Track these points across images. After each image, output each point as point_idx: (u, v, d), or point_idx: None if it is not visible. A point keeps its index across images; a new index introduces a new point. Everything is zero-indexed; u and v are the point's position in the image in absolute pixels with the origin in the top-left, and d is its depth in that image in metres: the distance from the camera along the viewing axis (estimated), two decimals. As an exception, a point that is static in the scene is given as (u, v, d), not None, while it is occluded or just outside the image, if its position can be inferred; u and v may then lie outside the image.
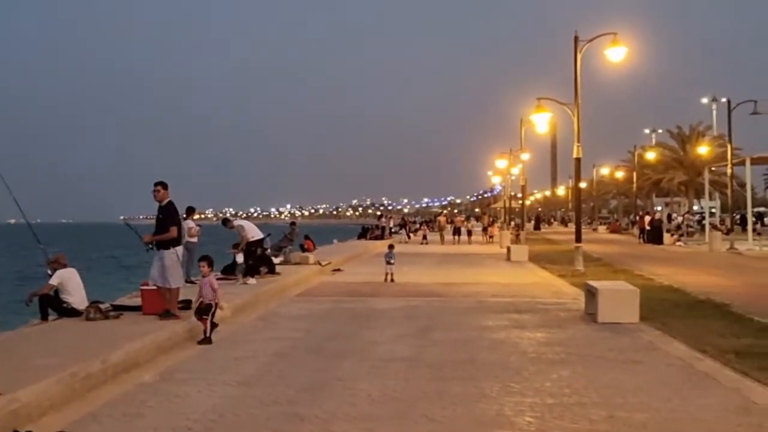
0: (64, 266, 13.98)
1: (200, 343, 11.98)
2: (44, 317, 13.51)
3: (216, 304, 12.38)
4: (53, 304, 13.61)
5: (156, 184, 13.89)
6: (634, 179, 78.61)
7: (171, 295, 13.46)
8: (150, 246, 13.76)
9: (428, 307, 17.14)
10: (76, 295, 13.71)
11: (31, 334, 12.39)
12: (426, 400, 8.54)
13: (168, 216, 13.79)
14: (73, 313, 13.41)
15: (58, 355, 9.92)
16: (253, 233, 21.51)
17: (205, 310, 12.24)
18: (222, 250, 24.84)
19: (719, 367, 10.29)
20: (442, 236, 56.34)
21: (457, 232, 54.10)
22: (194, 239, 20.59)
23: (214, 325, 12.33)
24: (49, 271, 13.97)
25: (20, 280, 43.83)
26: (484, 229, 59.11)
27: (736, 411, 8.09)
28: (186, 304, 13.79)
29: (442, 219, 67.57)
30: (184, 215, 22.39)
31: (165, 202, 13.77)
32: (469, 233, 56.00)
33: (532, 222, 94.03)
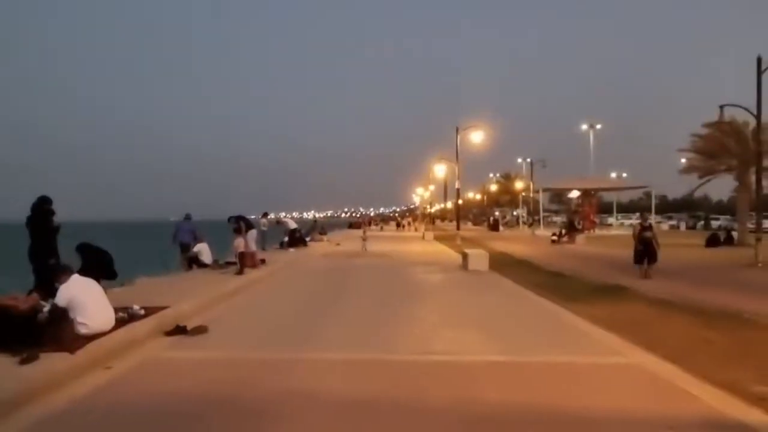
0: None
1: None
2: None
3: None
4: None
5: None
6: (485, 200, 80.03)
7: None
8: None
9: (384, 263, 17.04)
10: None
11: None
12: (383, 307, 8.47)
13: None
14: None
15: None
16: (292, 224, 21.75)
17: None
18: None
19: (528, 292, 10.42)
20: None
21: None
22: None
23: None
24: None
25: None
26: (398, 225, 57.28)
27: (537, 312, 8.24)
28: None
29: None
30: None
31: None
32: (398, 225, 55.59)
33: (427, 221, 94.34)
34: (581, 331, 6.86)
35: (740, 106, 17.75)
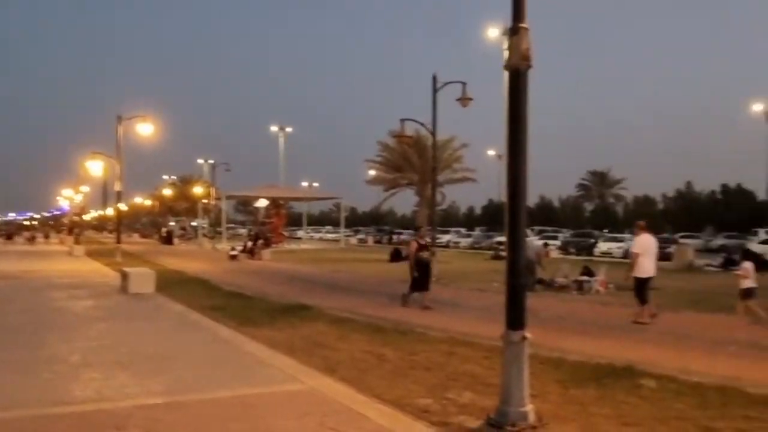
0: None
1: None
2: None
3: None
4: None
5: None
6: (157, 207, 77.38)
7: None
8: None
9: (9, 286, 14.88)
10: None
11: None
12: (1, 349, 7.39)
13: None
14: None
15: None
16: None
17: None
18: None
19: (201, 317, 10.41)
20: None
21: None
22: None
23: None
24: None
25: None
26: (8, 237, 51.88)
27: (209, 341, 8.27)
28: None
29: None
30: None
31: None
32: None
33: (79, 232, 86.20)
34: (257, 358, 7.11)
35: (418, 122, 21.29)
